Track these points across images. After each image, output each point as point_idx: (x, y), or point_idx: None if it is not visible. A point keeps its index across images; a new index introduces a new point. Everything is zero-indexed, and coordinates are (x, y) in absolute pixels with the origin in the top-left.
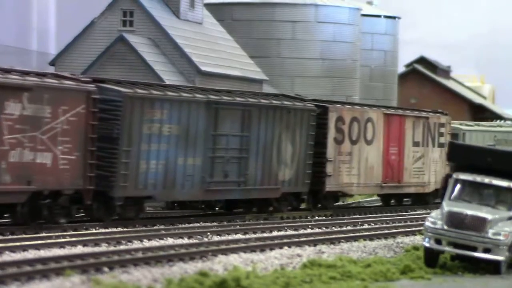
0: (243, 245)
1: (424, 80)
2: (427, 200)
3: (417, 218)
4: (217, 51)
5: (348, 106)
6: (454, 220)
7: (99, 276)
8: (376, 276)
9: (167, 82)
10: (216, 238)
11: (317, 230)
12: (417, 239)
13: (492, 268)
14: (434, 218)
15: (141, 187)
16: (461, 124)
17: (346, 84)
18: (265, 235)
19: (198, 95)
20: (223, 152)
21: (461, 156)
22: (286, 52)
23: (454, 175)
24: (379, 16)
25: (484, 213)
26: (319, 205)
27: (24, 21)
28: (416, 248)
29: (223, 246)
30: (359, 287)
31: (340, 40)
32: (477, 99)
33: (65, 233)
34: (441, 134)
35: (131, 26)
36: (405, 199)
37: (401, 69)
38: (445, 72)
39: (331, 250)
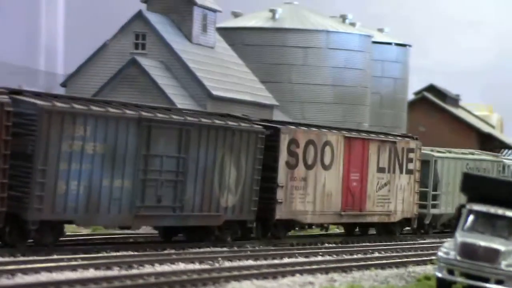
0: (255, 271)
1: (433, 108)
2: (393, 230)
3: (427, 247)
4: (228, 75)
5: (303, 128)
6: (467, 251)
7: None
8: None
9: (179, 106)
10: (227, 263)
11: (327, 257)
12: (429, 269)
13: None
14: (447, 249)
15: (59, 210)
16: (432, 151)
17: (356, 111)
18: (276, 261)
19: (128, 111)
20: (157, 175)
21: (475, 187)
22: (297, 78)
23: (468, 206)
24: (390, 43)
25: (497, 244)
26: (269, 235)
27: (32, 40)
28: (427, 277)
29: (235, 273)
30: None
31: (351, 67)
32: (486, 128)
33: (76, 256)
34: (410, 160)
35: (143, 49)
36: (370, 229)
37: (410, 96)
38: (454, 100)
39: (342, 278)
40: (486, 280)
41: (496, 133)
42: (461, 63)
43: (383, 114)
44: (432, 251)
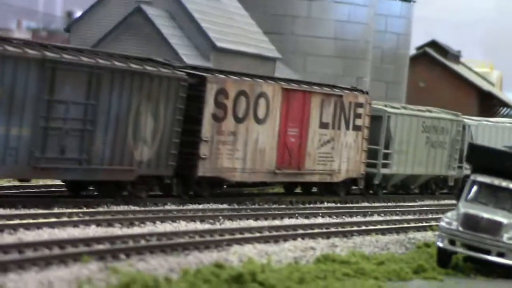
0: (257, 234)
1: (434, 64)
2: (337, 190)
3: (426, 211)
4: (233, 27)
5: (234, 77)
6: (470, 222)
7: (116, 263)
8: (389, 275)
9: (183, 57)
10: (228, 223)
11: (328, 219)
12: (429, 235)
13: (504, 272)
14: (449, 219)
15: None
16: (386, 106)
17: (357, 65)
18: (277, 222)
19: (30, 51)
20: (61, 123)
21: (480, 158)
22: (300, 30)
23: (472, 177)
24: None
25: (500, 217)
26: (191, 192)
27: None
28: (427, 245)
29: (238, 235)
30: (373, 287)
31: (355, 21)
32: (486, 86)
33: (77, 210)
34: (358, 116)
35: None
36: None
37: (412, 51)
38: (455, 57)
39: (344, 244)
40: (488, 252)
41: (496, 91)
42: (462, 12)
43: (384, 69)
44: (432, 215)
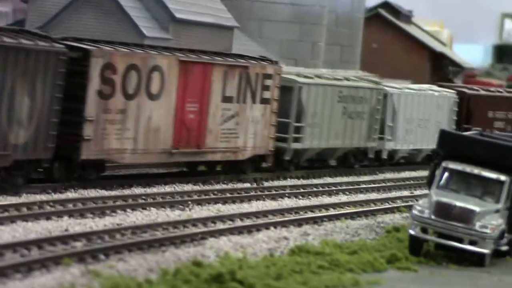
0: (231, 224)
1: (387, 26)
2: (243, 168)
3: (389, 187)
4: None
5: (123, 49)
6: (442, 210)
7: (97, 266)
8: (364, 266)
9: (143, 29)
10: (197, 208)
11: (295, 200)
12: (397, 218)
13: (476, 259)
14: (421, 207)
15: None
16: (298, 75)
17: (313, 30)
18: (245, 205)
19: None
20: None
21: (451, 145)
22: None
23: (443, 164)
24: None
25: (472, 205)
26: (76, 176)
27: None
28: (396, 229)
29: (211, 226)
30: (350, 281)
31: None
32: (438, 47)
33: (47, 199)
34: (266, 88)
35: None
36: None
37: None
38: (407, 17)
39: (315, 231)
40: (460, 240)
41: (448, 52)
42: None
43: (339, 33)
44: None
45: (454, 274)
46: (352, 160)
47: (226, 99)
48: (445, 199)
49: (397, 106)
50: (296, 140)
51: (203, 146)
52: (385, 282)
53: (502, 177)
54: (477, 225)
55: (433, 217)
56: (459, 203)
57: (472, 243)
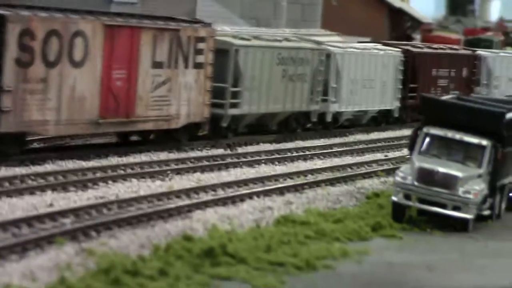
0: (214, 195)
1: None
2: (177, 137)
3: (362, 149)
4: None
5: (42, 14)
6: (425, 176)
7: (90, 243)
8: (350, 235)
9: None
10: (177, 178)
11: (272, 166)
12: (376, 183)
13: (459, 225)
14: (404, 173)
15: None
16: (235, 37)
17: None
18: (224, 174)
19: None
20: None
21: (432, 110)
22: None
23: (425, 129)
24: None
25: (455, 170)
26: None
27: None
28: (376, 194)
29: (195, 198)
30: (339, 251)
31: None
32: (397, 3)
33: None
34: (199, 52)
35: None
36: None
37: None
38: None
39: (298, 199)
40: (443, 206)
41: (406, 7)
42: None
43: None
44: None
45: (439, 241)
46: (294, 125)
47: (157, 65)
48: (427, 165)
49: (340, 66)
50: (234, 105)
51: (133, 115)
52: (372, 252)
53: (484, 142)
54: (460, 190)
55: (416, 183)
56: (442, 169)
57: (455, 208)
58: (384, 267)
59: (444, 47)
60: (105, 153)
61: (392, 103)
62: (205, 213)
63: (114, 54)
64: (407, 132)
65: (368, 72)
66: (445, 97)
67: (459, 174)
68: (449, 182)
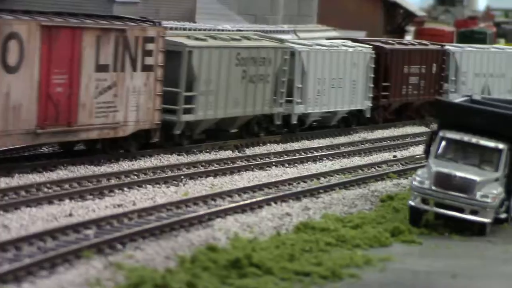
0: (234, 204)
1: None
2: (125, 146)
3: (369, 149)
4: None
5: None
6: (443, 181)
7: (116, 256)
8: (370, 241)
9: None
10: (191, 183)
11: (282, 169)
12: (388, 185)
13: (476, 229)
14: (421, 177)
15: None
16: (189, 37)
17: None
18: (237, 177)
19: None
20: None
21: (448, 114)
22: None
23: (441, 133)
24: None
25: (472, 175)
26: None
27: None
28: (390, 197)
29: (216, 207)
30: (362, 259)
31: None
32: None
33: (43, 181)
34: (148, 53)
35: None
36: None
37: None
38: None
39: (315, 204)
40: (461, 211)
41: (400, 0)
42: None
43: None
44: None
45: (459, 246)
46: (256, 129)
47: (101, 68)
48: (445, 170)
49: (306, 65)
50: (188, 111)
51: (75, 124)
52: (395, 258)
53: (500, 145)
54: (478, 194)
55: (433, 187)
56: (459, 173)
57: (473, 212)
58: (409, 275)
59: (415, 43)
60: (116, 157)
61: (363, 103)
62: (226, 221)
63: (53, 58)
64: (410, 130)
65: (337, 70)
66: (458, 100)
67: (476, 178)
68: (466, 186)
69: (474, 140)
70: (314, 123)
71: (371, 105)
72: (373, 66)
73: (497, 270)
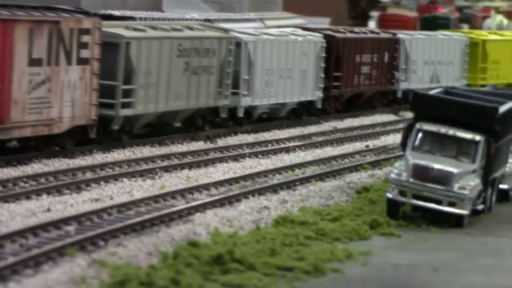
0: (213, 198)
1: None
2: (61, 143)
3: (341, 139)
4: None
5: None
6: (420, 173)
7: (99, 253)
8: (349, 234)
9: None
10: (166, 176)
11: (256, 160)
12: (363, 176)
13: (454, 220)
14: (398, 170)
15: None
16: (127, 28)
17: None
18: (211, 169)
19: None
20: None
21: (425, 106)
22: None
23: (418, 125)
24: None
25: (450, 167)
26: None
27: None
28: (366, 188)
29: (194, 202)
30: (343, 253)
31: None
32: None
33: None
34: (83, 46)
35: None
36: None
37: None
38: None
39: (292, 197)
40: (439, 203)
41: None
42: None
43: None
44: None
45: (437, 238)
46: (201, 122)
47: (34, 62)
48: (422, 162)
49: (253, 56)
50: (126, 105)
51: (7, 121)
52: (375, 252)
53: (477, 137)
54: (456, 186)
55: (411, 180)
56: (437, 165)
57: (451, 204)
58: (390, 269)
59: (366, 31)
60: (88, 149)
61: (313, 94)
62: (206, 216)
63: None
64: (380, 118)
65: (286, 61)
66: (433, 92)
67: (454, 170)
68: (444, 178)
69: (451, 132)
70: (264, 115)
71: (322, 95)
72: (324, 55)
73: (478, 263)
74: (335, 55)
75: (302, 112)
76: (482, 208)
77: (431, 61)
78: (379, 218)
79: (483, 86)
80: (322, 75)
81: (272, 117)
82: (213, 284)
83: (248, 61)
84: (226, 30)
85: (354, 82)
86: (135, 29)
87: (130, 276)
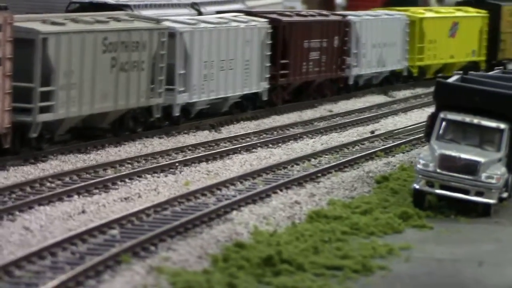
0: (244, 195)
1: None
2: None
3: (344, 124)
4: None
5: None
6: (447, 163)
7: (152, 259)
8: (383, 228)
9: None
10: (186, 170)
11: (269, 150)
12: (380, 165)
13: (480, 209)
14: (425, 160)
15: None
16: (44, 22)
17: None
18: (228, 162)
19: None
20: None
21: (448, 95)
22: None
23: (442, 115)
24: None
25: (477, 156)
26: None
27: None
28: (385, 177)
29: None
30: (385, 249)
31: None
32: None
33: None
34: None
35: None
36: None
37: None
38: None
39: (318, 190)
40: (466, 192)
41: None
42: None
43: None
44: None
45: (469, 229)
46: (132, 124)
47: None
48: (449, 152)
49: (189, 47)
50: (45, 109)
51: None
52: (413, 246)
53: (502, 125)
54: (483, 176)
55: (438, 170)
56: (463, 155)
57: (478, 194)
58: (435, 265)
59: (314, 14)
60: (101, 143)
61: (258, 85)
62: (243, 214)
63: None
64: (372, 100)
65: (226, 51)
66: (451, 79)
67: (481, 159)
68: (471, 167)
69: (476, 121)
70: (204, 110)
71: (268, 86)
72: (270, 42)
73: None
74: (282, 41)
75: (247, 106)
76: (506, 196)
77: (378, 43)
78: (409, 210)
79: (437, 71)
80: (268, 64)
81: (213, 113)
82: (268, 287)
83: (184, 54)
84: (157, 21)
85: (303, 69)
86: (53, 23)
87: (191, 284)
